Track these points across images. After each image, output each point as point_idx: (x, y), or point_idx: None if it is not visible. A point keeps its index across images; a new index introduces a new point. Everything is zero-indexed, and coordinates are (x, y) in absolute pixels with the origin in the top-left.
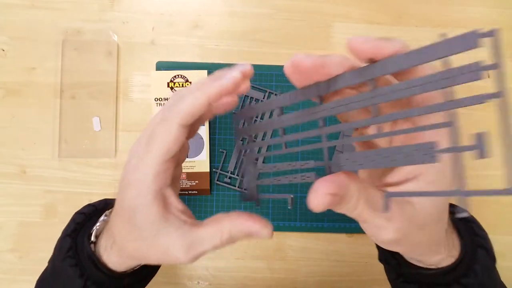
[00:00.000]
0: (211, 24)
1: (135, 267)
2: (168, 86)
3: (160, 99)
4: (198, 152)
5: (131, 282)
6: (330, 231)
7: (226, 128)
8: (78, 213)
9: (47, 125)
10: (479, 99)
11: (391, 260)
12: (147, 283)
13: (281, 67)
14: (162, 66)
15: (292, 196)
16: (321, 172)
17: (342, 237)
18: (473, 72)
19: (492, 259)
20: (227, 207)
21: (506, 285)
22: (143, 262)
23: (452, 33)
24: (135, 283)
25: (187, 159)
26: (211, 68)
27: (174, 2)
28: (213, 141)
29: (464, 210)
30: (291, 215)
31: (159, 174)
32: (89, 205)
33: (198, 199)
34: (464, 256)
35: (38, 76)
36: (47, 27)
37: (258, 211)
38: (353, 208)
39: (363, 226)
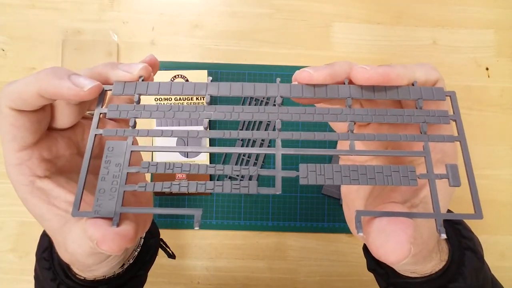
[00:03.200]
0: (211, 24)
1: (109, 274)
2: None
3: (160, 99)
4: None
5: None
6: (330, 231)
7: (226, 128)
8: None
9: None
10: (447, 138)
11: (379, 270)
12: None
13: (281, 67)
14: (162, 66)
15: (200, 212)
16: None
17: (342, 237)
18: (442, 117)
19: (480, 260)
20: (227, 207)
21: (506, 285)
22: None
23: (452, 33)
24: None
25: (187, 159)
26: (211, 68)
27: (174, 2)
28: (213, 141)
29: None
30: (291, 215)
31: (18, 167)
32: None
33: (198, 199)
34: (452, 260)
35: None
36: (47, 27)
37: (259, 211)
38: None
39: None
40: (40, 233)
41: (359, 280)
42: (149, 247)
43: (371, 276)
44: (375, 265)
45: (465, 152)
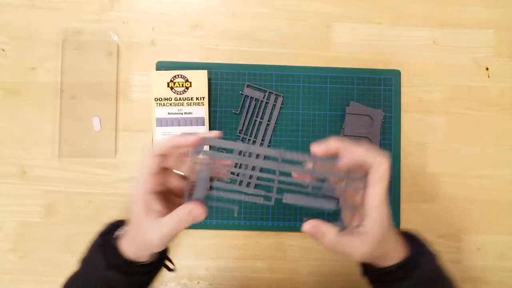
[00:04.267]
0: (211, 24)
1: (144, 261)
2: (168, 86)
3: (160, 99)
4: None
5: (141, 270)
6: None
7: (226, 128)
8: (109, 223)
9: (47, 125)
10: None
11: (366, 271)
12: (154, 276)
13: (281, 67)
14: (162, 66)
15: (237, 207)
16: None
17: None
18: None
19: (434, 256)
20: (227, 207)
21: (506, 285)
22: (139, 251)
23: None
24: (145, 273)
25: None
26: (211, 68)
27: (174, 2)
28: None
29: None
30: (291, 215)
31: (144, 184)
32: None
33: None
34: (411, 256)
35: (38, 76)
36: (47, 27)
37: (259, 211)
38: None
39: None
40: (40, 234)
41: (359, 280)
42: (163, 255)
43: None
44: (366, 269)
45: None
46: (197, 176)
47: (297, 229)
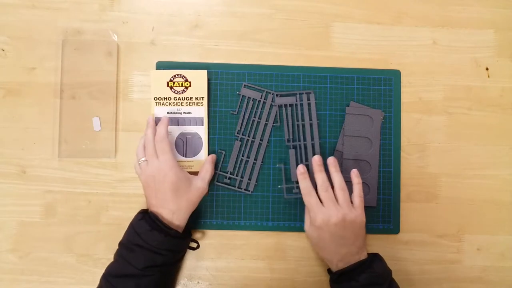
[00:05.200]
0: (211, 24)
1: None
2: (168, 85)
3: (160, 99)
4: (197, 152)
5: (177, 234)
6: None
7: (226, 129)
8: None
9: (47, 125)
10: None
11: (332, 276)
12: (184, 247)
13: (281, 67)
14: (162, 66)
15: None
16: None
17: None
18: None
19: (385, 266)
20: (227, 207)
21: (506, 285)
22: (187, 207)
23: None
24: (180, 237)
25: (185, 158)
26: (211, 68)
27: (174, 2)
28: (213, 142)
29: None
30: (291, 215)
31: (176, 160)
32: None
33: None
34: (365, 260)
35: (38, 76)
36: (47, 27)
37: (259, 211)
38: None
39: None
40: (40, 234)
41: None
42: (188, 232)
43: None
44: (329, 273)
45: None
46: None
47: (297, 229)
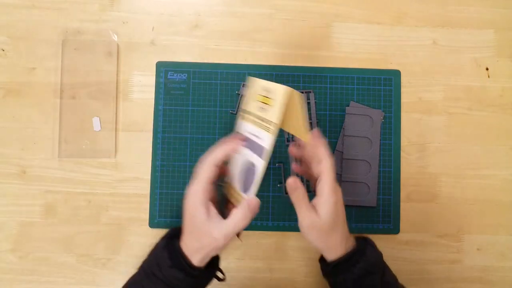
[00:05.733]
0: (211, 24)
1: (203, 265)
2: (257, 98)
3: (246, 112)
4: (246, 188)
5: (199, 274)
6: None
7: (225, 128)
8: (170, 229)
9: (47, 125)
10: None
11: (325, 268)
12: (207, 283)
13: (281, 67)
14: (162, 66)
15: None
16: None
17: None
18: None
19: (378, 253)
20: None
21: (506, 285)
22: (202, 252)
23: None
24: (201, 277)
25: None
26: (211, 68)
27: (174, 2)
28: (212, 142)
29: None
30: (291, 215)
31: (204, 192)
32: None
33: None
34: (358, 248)
35: (38, 76)
36: (47, 27)
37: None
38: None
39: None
40: (40, 234)
41: None
42: (214, 264)
43: None
44: (322, 264)
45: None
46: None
47: (297, 229)
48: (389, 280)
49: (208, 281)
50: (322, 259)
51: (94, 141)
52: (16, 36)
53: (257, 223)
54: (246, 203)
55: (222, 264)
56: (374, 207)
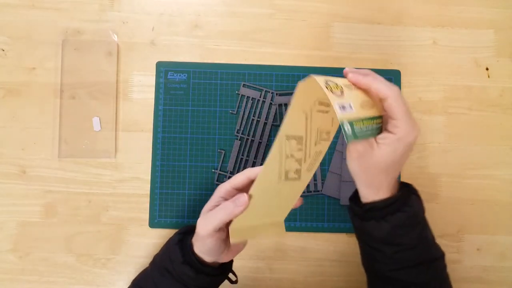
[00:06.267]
0: (211, 24)
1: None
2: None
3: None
4: None
5: (209, 272)
6: (330, 231)
7: (226, 128)
8: (186, 226)
9: (47, 125)
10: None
11: (356, 209)
12: (218, 283)
13: (281, 67)
14: (162, 66)
15: None
16: None
17: (342, 237)
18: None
19: (420, 200)
20: None
21: (506, 285)
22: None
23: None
24: (211, 275)
25: None
26: (211, 68)
27: (174, 2)
28: (212, 141)
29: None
30: (291, 215)
31: (211, 234)
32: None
33: (199, 200)
34: (402, 194)
35: (38, 76)
36: (47, 27)
37: None
38: None
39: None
40: (40, 234)
41: (359, 280)
42: (227, 265)
43: None
44: (353, 206)
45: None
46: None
47: (297, 229)
48: (427, 235)
49: (219, 281)
50: (353, 198)
51: (94, 141)
52: (16, 36)
53: None
54: (236, 196)
55: None
56: None
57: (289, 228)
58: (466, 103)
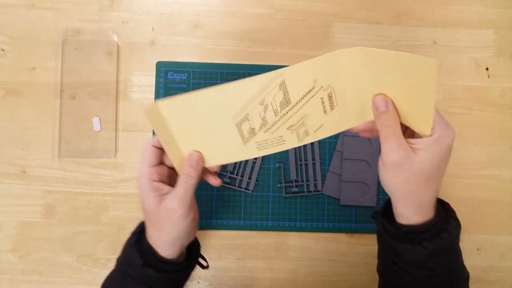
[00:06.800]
0: (211, 24)
1: (177, 258)
2: None
3: None
4: None
5: (174, 268)
6: (330, 231)
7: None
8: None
9: (47, 125)
10: None
11: (389, 228)
12: (188, 273)
13: (281, 67)
14: (162, 66)
15: None
16: None
17: (342, 237)
18: None
19: (458, 224)
20: (227, 207)
21: (506, 285)
22: (170, 240)
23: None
24: (179, 270)
25: None
26: (211, 68)
27: (174, 2)
28: None
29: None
30: (291, 215)
31: (148, 175)
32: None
33: (199, 200)
34: (439, 219)
35: (38, 76)
36: (47, 27)
37: (259, 211)
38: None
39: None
40: (40, 234)
41: (359, 280)
42: (194, 252)
43: (371, 276)
44: (386, 224)
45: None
46: None
47: (297, 229)
48: (459, 258)
49: (188, 271)
50: (384, 213)
51: (94, 141)
52: (16, 36)
53: (257, 223)
54: (186, 161)
55: (222, 264)
56: (374, 207)
57: (289, 228)
58: (466, 103)
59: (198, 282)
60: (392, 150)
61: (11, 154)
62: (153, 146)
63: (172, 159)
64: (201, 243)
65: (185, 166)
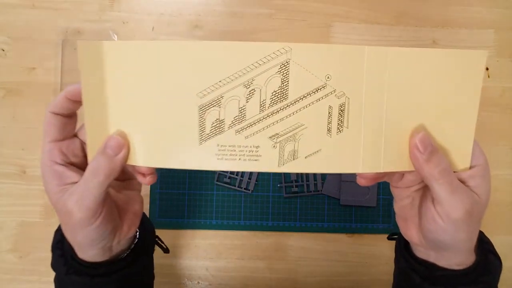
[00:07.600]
0: (211, 24)
1: (112, 259)
2: None
3: None
4: None
5: (107, 271)
6: (330, 231)
7: None
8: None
9: None
10: None
11: (417, 265)
12: (139, 268)
13: None
14: None
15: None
16: None
17: (342, 237)
18: None
19: (499, 261)
20: (227, 207)
21: (506, 285)
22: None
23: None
24: (114, 271)
25: None
26: None
27: (174, 2)
28: None
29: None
30: (291, 215)
31: (50, 156)
32: None
33: (198, 199)
34: (480, 259)
35: (38, 76)
36: (47, 27)
37: (259, 211)
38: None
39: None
40: (40, 234)
41: (359, 280)
42: (145, 241)
43: (371, 276)
44: (413, 263)
45: None
46: None
47: (297, 229)
48: None
49: (136, 269)
50: (406, 248)
51: None
52: (16, 36)
53: (257, 223)
54: (101, 145)
55: (222, 264)
56: (374, 207)
57: (289, 228)
58: None
59: (198, 282)
60: (463, 200)
61: (11, 154)
62: (52, 112)
63: (88, 132)
64: (201, 243)
65: (97, 153)
